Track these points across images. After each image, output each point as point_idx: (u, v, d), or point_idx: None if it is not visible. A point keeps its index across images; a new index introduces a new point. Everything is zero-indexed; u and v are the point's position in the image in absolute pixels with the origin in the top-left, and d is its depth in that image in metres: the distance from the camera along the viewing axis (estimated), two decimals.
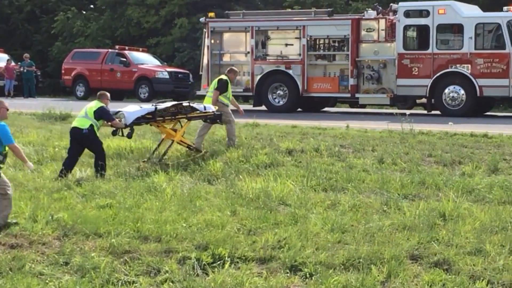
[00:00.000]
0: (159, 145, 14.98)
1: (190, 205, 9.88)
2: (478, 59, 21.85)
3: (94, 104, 13.50)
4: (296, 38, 24.45)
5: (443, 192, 10.48)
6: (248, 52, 24.51)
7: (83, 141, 13.23)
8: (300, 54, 24.35)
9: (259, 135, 16.06)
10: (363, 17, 24.69)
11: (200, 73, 25.19)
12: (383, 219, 8.90)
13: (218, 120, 15.69)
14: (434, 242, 7.96)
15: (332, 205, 9.83)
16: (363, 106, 26.57)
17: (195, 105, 15.42)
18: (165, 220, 9.00)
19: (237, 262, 7.68)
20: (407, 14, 23.91)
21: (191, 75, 32.70)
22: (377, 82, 23.27)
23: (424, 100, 23.50)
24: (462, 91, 22.59)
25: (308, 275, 7.19)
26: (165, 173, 12.13)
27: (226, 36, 25.24)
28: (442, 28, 23.67)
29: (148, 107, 14.94)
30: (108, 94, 13.94)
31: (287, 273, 7.32)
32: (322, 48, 24.56)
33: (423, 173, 11.82)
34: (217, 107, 15.49)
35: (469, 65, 22.57)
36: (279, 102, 23.84)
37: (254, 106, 24.00)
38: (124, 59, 32.26)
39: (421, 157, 13.62)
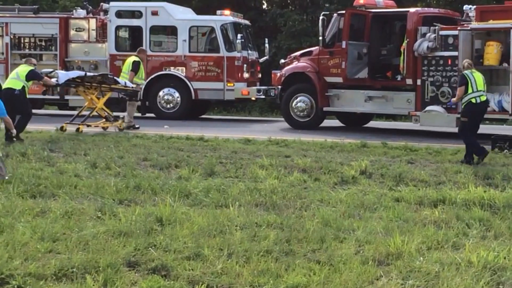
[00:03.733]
0: (81, 110, 18.54)
1: None
2: (192, 62, 22.51)
3: (24, 68, 16.25)
4: None
5: (160, 196, 10.55)
6: None
7: (14, 101, 15.31)
8: (3, 53, 23.44)
9: None
10: (72, 16, 24.33)
11: None
12: (98, 226, 8.72)
13: (134, 98, 19.25)
14: (151, 248, 7.94)
15: (42, 212, 9.45)
16: (74, 108, 26.12)
17: (117, 79, 18.80)
18: None
19: None
20: (119, 14, 23.99)
21: None
22: None
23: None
24: (177, 94, 23.13)
25: None
26: None
27: None
28: (156, 30, 24.08)
29: (79, 72, 19.30)
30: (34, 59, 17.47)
31: None
32: (27, 47, 23.83)
33: (138, 178, 11.82)
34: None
35: (184, 68, 23.17)
36: None
37: None
38: None
39: (136, 161, 13.65)
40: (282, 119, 22.51)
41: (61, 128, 17.90)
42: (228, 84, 23.41)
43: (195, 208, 9.97)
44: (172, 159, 13.75)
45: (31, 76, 16.18)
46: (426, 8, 24.25)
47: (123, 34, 24.44)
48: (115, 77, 18.88)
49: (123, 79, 19.10)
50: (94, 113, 18.57)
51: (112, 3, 24.45)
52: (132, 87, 18.98)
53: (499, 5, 26.23)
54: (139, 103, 21.19)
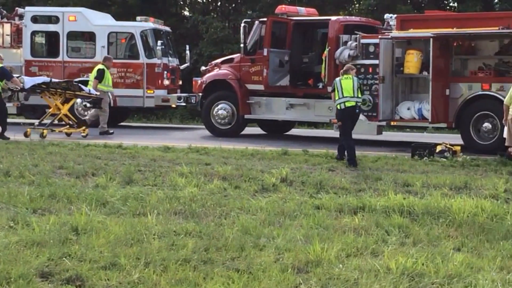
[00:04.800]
0: (45, 116, 19.20)
1: None
2: (111, 69, 22.25)
3: None
4: None
5: (76, 205, 10.37)
6: None
7: None
8: None
9: None
10: None
11: None
12: (10, 236, 8.52)
13: (97, 105, 20.02)
14: (66, 257, 7.79)
15: None
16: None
17: (82, 86, 19.59)
18: None
19: None
20: (35, 19, 23.61)
21: None
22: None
23: None
24: None
25: None
26: None
27: None
28: (73, 36, 23.77)
29: (44, 77, 19.90)
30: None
31: None
32: None
33: (54, 186, 11.61)
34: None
35: None
36: None
37: None
38: None
39: (51, 169, 13.41)
40: (203, 126, 22.47)
41: (25, 133, 18.37)
42: (148, 91, 23.29)
43: (112, 216, 9.83)
44: (89, 167, 13.56)
45: (2, 74, 17.37)
46: (347, 17, 24.59)
47: (39, 39, 24.05)
48: (79, 84, 19.70)
49: (89, 86, 20.08)
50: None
51: (27, 8, 24.05)
52: (96, 95, 19.82)
53: (420, 14, 26.90)
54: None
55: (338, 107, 15.64)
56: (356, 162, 15.10)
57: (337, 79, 15.89)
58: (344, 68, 16.22)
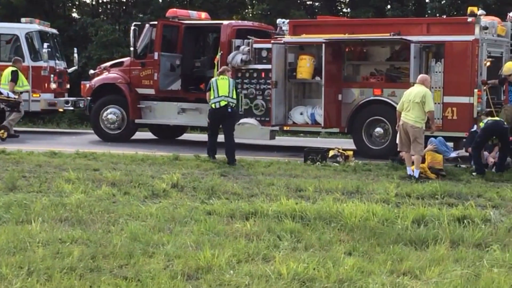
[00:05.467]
0: None
1: None
2: None
3: None
4: None
5: None
6: None
7: None
8: None
9: None
10: None
11: None
12: None
13: (16, 109, 20.29)
14: None
15: None
16: None
17: (1, 90, 19.97)
18: None
19: None
20: None
21: None
22: None
23: None
24: None
25: None
26: None
27: None
28: None
29: None
30: None
31: None
32: None
33: None
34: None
35: None
36: None
37: None
38: None
39: None
40: (92, 131, 22.11)
41: None
42: (34, 95, 22.77)
43: None
44: None
45: None
46: (240, 21, 24.74)
47: None
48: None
49: (5, 90, 20.19)
50: None
51: None
52: (15, 98, 20.20)
53: (312, 20, 27.32)
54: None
55: (213, 106, 16.34)
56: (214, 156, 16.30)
57: (213, 79, 16.63)
58: (220, 70, 16.92)
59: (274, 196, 12.00)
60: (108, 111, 21.14)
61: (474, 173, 15.03)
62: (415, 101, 14.48)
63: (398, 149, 15.22)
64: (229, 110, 16.36)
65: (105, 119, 21.16)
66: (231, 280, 7.45)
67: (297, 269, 7.76)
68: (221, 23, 20.65)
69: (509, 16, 18.96)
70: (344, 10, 39.13)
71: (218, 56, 19.80)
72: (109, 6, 39.45)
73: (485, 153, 16.01)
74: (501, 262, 8.38)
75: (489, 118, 15.80)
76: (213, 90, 16.26)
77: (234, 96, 16.42)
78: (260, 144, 20.10)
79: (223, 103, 16.21)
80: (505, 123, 15.75)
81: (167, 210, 10.75)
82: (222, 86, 16.24)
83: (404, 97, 14.81)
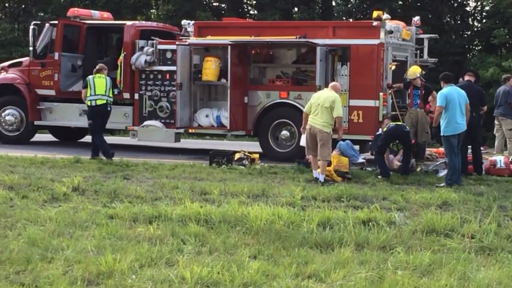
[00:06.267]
0: None
1: None
2: None
3: None
4: None
5: None
6: None
7: None
8: None
9: None
10: None
11: None
12: None
13: None
14: None
15: None
16: None
17: None
18: None
19: None
20: None
21: None
22: None
23: None
24: None
25: None
26: None
27: None
28: None
29: None
30: None
31: None
32: None
33: None
34: None
35: None
36: None
37: None
38: None
39: None
40: None
41: None
42: None
43: None
44: None
45: None
46: (144, 22, 24.53)
47: None
48: None
49: None
50: None
51: None
52: None
53: (218, 21, 27.32)
54: None
55: (89, 104, 16.90)
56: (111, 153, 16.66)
57: (90, 77, 17.05)
58: (97, 67, 17.19)
59: (178, 200, 11.93)
60: (6, 112, 20.67)
61: (379, 176, 15.30)
62: (324, 105, 14.60)
63: (305, 153, 15.32)
64: (109, 108, 17.07)
65: (2, 120, 20.68)
66: (133, 285, 7.38)
67: (201, 273, 7.73)
68: (125, 24, 20.44)
69: (414, 20, 19.38)
70: (251, 12, 39.34)
71: (121, 57, 19.59)
72: (7, 4, 38.56)
73: (391, 156, 16.32)
74: (405, 264, 8.55)
75: (391, 122, 16.13)
76: (90, 88, 16.78)
77: (111, 95, 17.10)
78: (165, 147, 19.97)
79: (100, 102, 16.84)
80: (410, 126, 16.10)
81: (67, 214, 10.57)
82: (99, 85, 16.81)
83: (312, 100, 14.91)
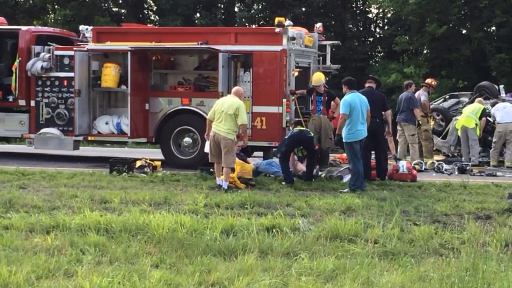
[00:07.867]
0: None
1: None
2: None
3: None
4: None
5: None
6: None
7: None
8: None
9: None
10: None
11: None
12: None
13: None
14: None
15: None
16: None
17: None
18: None
19: None
20: None
21: None
22: None
23: None
24: None
25: None
26: None
27: None
28: None
29: None
30: None
31: None
32: None
33: None
34: None
35: None
36: None
37: None
38: None
39: None
40: None
41: None
42: None
43: None
44: None
45: None
46: (40, 27, 24.07)
47: None
48: None
49: None
50: None
51: None
52: None
53: (117, 27, 27.05)
54: None
55: None
56: None
57: None
58: None
59: (77, 209, 11.72)
60: None
61: (283, 182, 15.39)
62: (228, 112, 14.61)
63: (209, 160, 15.28)
64: None
65: None
66: None
67: (101, 283, 7.62)
68: (20, 29, 20.01)
69: (316, 27, 19.63)
70: (152, 17, 39.13)
71: (16, 63, 19.18)
72: None
73: (296, 161, 16.44)
74: (309, 270, 8.61)
75: (298, 127, 16.29)
76: None
77: None
78: (63, 155, 19.63)
79: None
80: (313, 132, 16.28)
81: None
82: None
83: (216, 106, 14.91)
